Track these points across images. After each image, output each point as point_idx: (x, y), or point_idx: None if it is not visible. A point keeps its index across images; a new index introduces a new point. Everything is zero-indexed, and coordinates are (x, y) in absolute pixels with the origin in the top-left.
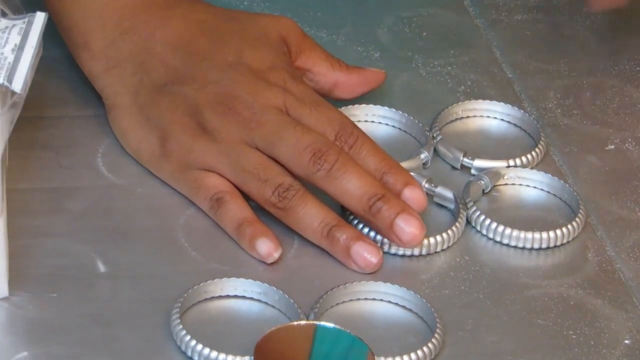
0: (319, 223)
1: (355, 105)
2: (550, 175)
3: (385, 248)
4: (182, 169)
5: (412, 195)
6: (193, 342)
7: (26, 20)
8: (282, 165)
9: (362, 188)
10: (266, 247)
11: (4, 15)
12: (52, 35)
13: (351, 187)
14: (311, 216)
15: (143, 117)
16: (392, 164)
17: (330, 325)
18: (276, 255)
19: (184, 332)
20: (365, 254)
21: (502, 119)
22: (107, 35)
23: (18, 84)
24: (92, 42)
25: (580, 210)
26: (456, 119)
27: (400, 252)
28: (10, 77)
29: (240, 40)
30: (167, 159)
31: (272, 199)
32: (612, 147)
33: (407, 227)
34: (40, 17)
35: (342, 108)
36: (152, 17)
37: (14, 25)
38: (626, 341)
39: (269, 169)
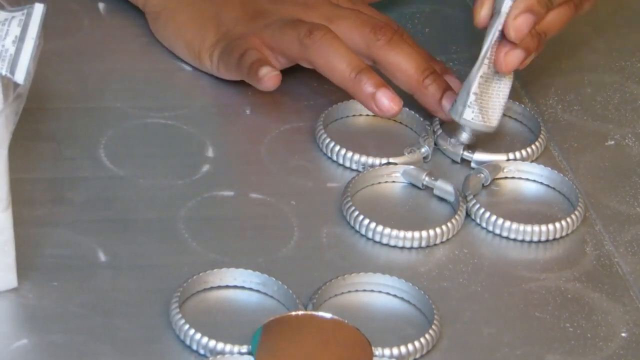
0: (347, 64)
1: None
2: (549, 168)
3: (385, 240)
4: (230, 45)
5: (453, 82)
6: (192, 332)
7: (25, 11)
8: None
9: (418, 59)
10: (266, 70)
11: (2, 7)
12: (53, 27)
13: (408, 57)
14: (339, 57)
15: (196, 12)
16: (430, 55)
17: (329, 315)
18: (273, 73)
19: (183, 321)
20: (390, 100)
21: (503, 114)
22: None
23: (20, 75)
24: None
25: (579, 203)
26: None
27: (400, 244)
28: (12, 69)
29: None
30: (219, 42)
31: (302, 37)
32: (612, 142)
33: (451, 98)
34: (39, 8)
35: (344, 102)
36: None
37: (13, 17)
38: (623, 334)
39: (304, 21)
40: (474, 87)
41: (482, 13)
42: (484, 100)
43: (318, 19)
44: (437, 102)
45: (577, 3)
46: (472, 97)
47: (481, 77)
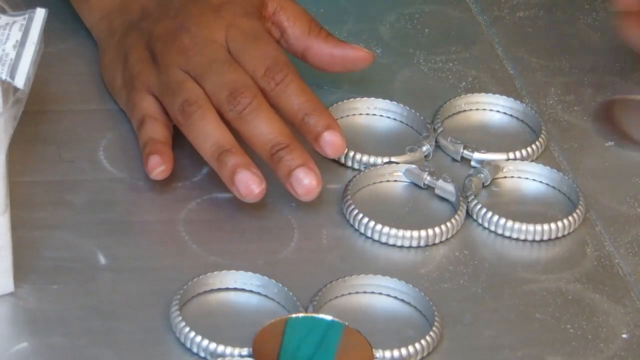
0: (212, 144)
1: (357, 99)
2: (549, 167)
3: (385, 239)
4: (132, 93)
5: (331, 139)
6: (192, 334)
7: (26, 16)
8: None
9: (268, 135)
10: (153, 161)
11: (4, 12)
12: (53, 30)
13: (258, 132)
14: (206, 135)
15: (116, 52)
16: (317, 105)
17: (329, 317)
18: (159, 170)
19: (183, 324)
20: (249, 183)
21: (504, 112)
22: None
23: (20, 80)
24: None
25: (580, 202)
26: (459, 112)
27: (400, 243)
28: (12, 73)
29: None
30: (124, 86)
31: (176, 110)
32: (612, 143)
33: (304, 179)
34: (40, 13)
35: (344, 101)
36: None
37: (14, 22)
38: (624, 335)
39: (184, 85)
40: None
41: None
42: None
43: (193, 71)
44: (287, 178)
45: None
46: None
47: None
